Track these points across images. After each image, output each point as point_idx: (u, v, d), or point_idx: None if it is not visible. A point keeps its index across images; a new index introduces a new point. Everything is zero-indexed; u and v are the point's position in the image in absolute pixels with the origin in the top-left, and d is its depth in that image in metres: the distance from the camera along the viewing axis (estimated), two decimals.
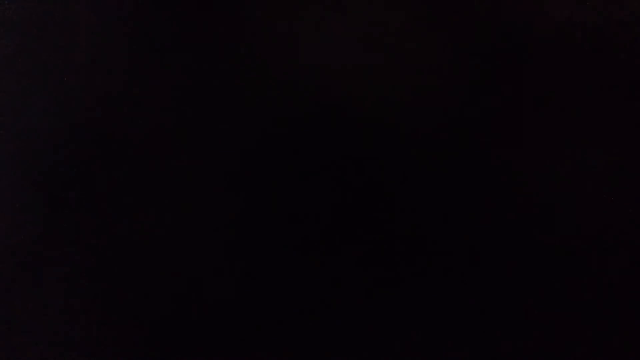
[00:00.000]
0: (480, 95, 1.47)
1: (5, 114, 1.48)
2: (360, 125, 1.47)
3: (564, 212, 1.41)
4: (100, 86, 1.48)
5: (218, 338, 1.35)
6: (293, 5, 1.53)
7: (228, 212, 1.41)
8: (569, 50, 1.51)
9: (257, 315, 1.36)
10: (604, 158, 1.44)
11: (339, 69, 1.49)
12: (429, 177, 1.44)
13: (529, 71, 1.48)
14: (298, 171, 1.44)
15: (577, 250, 1.39)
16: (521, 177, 1.43)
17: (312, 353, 1.34)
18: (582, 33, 1.51)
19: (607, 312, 1.35)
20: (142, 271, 1.38)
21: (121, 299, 1.36)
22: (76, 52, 1.50)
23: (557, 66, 1.50)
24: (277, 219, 1.41)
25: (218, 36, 1.51)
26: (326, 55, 1.50)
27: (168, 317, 1.35)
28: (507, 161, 1.44)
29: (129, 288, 1.37)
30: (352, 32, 1.52)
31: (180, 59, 1.50)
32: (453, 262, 1.38)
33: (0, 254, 1.39)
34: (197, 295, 1.36)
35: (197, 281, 1.37)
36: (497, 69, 1.49)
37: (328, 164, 1.45)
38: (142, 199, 1.42)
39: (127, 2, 1.53)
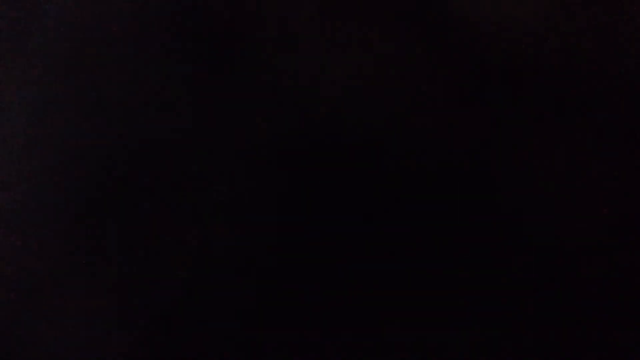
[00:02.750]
0: (470, 114, 1.50)
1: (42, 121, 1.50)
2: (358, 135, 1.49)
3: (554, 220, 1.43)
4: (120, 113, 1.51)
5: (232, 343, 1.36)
6: (296, 37, 1.56)
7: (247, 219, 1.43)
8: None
9: (260, 315, 1.37)
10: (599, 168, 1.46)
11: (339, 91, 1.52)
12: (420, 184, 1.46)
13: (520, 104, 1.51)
14: (303, 182, 1.46)
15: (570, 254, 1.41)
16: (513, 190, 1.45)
17: (315, 354, 1.35)
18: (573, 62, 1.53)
19: (603, 316, 1.36)
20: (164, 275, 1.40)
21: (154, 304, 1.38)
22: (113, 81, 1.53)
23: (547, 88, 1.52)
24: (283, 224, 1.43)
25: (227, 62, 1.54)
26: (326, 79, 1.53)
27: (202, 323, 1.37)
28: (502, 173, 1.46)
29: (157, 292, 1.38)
30: (351, 58, 1.55)
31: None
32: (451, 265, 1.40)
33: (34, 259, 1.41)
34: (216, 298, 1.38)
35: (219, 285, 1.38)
36: (489, 97, 1.52)
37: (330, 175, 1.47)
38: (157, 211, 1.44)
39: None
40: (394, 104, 1.52)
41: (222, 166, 1.47)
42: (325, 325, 1.37)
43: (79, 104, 1.52)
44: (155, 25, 1.57)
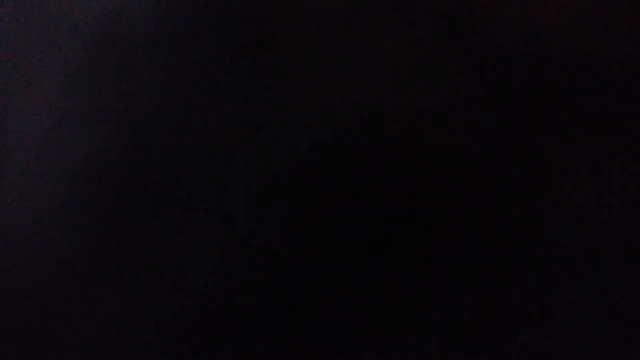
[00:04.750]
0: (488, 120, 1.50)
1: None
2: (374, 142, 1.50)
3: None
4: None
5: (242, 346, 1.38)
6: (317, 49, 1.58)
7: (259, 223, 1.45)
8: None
9: (265, 317, 1.39)
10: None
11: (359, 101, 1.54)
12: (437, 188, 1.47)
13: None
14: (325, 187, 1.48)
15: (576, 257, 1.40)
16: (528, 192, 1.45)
17: (318, 355, 1.37)
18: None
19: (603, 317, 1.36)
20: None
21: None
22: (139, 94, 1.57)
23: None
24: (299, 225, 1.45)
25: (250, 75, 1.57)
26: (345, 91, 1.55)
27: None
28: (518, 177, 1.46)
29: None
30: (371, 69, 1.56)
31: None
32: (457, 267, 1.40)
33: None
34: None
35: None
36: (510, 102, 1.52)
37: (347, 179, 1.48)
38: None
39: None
40: (413, 105, 1.53)
41: (242, 173, 1.49)
42: (328, 329, 1.38)
43: (103, 112, 1.56)
44: (179, 34, 1.61)
